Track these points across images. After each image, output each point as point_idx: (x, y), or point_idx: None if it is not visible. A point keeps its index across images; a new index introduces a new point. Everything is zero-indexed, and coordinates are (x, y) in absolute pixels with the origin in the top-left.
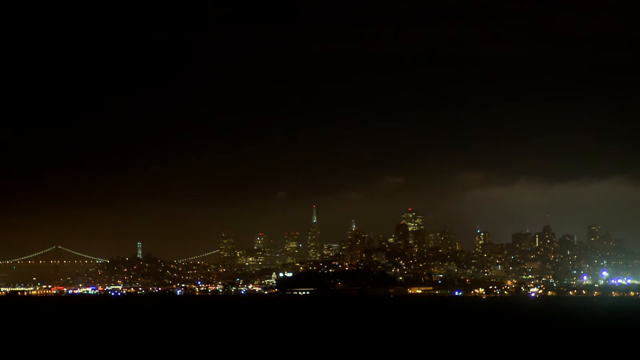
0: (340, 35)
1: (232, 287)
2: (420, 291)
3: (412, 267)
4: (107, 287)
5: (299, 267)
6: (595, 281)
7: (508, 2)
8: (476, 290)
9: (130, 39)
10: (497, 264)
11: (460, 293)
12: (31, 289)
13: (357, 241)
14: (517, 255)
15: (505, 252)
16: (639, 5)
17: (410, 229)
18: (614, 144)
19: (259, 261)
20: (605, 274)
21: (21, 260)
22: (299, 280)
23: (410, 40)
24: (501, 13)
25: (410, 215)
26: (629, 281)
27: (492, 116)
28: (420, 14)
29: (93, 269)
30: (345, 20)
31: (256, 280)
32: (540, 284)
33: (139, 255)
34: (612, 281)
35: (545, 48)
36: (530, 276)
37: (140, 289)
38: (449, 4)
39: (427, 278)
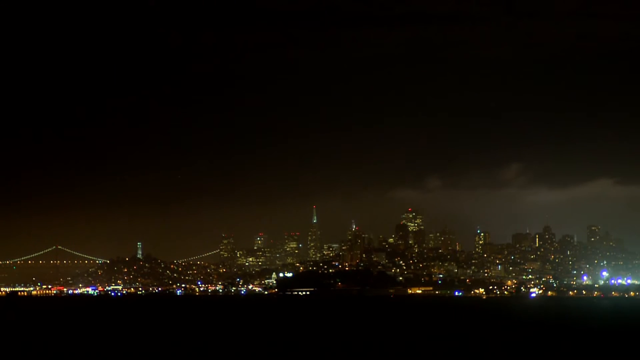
0: (319, 39)
1: (232, 287)
2: (420, 291)
3: (412, 267)
4: (107, 288)
5: (299, 267)
6: (595, 281)
7: (476, 6)
8: (476, 291)
9: (130, 41)
10: (497, 264)
11: (460, 293)
12: (31, 289)
13: (357, 241)
14: (517, 256)
15: (505, 252)
16: (605, 8)
17: (410, 229)
18: (613, 144)
19: (259, 261)
20: (605, 274)
21: (21, 260)
22: (299, 280)
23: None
24: (470, 17)
25: (410, 215)
26: (629, 281)
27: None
28: (390, 18)
29: (93, 269)
30: (320, 25)
31: (256, 280)
32: (540, 284)
33: (139, 256)
34: (612, 281)
35: (515, 51)
36: (530, 276)
37: (140, 289)
38: (418, 8)
39: (427, 278)
